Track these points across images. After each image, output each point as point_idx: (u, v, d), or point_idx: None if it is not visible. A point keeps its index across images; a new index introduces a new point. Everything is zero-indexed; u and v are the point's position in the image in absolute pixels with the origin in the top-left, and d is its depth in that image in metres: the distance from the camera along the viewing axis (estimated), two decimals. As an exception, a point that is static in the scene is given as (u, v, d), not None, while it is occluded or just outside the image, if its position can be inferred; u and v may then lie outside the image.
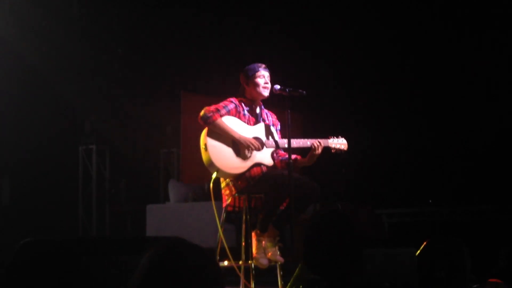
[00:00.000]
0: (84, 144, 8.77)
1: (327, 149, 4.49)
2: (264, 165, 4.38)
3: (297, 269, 3.75)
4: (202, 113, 4.29)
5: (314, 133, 4.63)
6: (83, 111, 8.68)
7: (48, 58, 7.87)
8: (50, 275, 2.49)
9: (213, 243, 5.21)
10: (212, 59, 8.42)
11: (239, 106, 4.43)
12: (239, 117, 4.42)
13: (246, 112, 4.46)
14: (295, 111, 5.66)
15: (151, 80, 8.75)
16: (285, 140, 4.28)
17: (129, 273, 1.66)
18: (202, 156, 4.32)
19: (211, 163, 4.27)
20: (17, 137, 7.93)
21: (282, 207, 4.33)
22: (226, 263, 4.36)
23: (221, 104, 4.38)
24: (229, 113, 4.36)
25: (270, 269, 4.64)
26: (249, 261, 4.29)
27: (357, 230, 2.38)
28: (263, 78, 4.44)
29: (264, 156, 4.39)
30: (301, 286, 3.33)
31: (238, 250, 4.45)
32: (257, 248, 4.27)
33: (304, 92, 4.32)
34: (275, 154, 4.47)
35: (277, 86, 4.40)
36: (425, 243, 3.83)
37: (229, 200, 4.41)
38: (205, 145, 4.28)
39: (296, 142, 4.39)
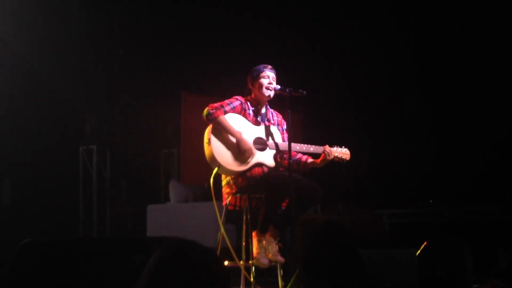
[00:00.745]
0: (85, 145, 8.77)
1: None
2: (265, 165, 4.39)
3: (297, 270, 3.75)
4: (206, 109, 4.31)
5: (314, 133, 4.63)
6: (84, 111, 8.68)
7: (48, 58, 7.87)
8: (50, 275, 2.49)
9: (213, 243, 5.21)
10: (213, 60, 8.41)
11: (244, 104, 4.45)
12: (244, 115, 4.44)
13: (251, 111, 4.48)
14: (296, 111, 5.66)
15: (152, 81, 8.75)
16: (287, 144, 4.30)
17: (130, 273, 1.66)
18: (205, 150, 4.33)
19: (213, 158, 4.28)
20: (17, 137, 7.93)
21: (282, 208, 4.34)
22: (226, 263, 4.36)
23: (226, 101, 4.40)
24: (234, 110, 4.38)
25: (271, 269, 4.65)
26: (250, 261, 4.29)
27: (355, 237, 2.41)
28: (267, 78, 4.46)
29: (266, 157, 4.40)
30: (301, 287, 3.33)
31: (239, 250, 4.45)
32: (258, 248, 4.27)
33: (304, 92, 4.32)
34: (284, 155, 4.49)
35: (277, 86, 4.41)
36: (425, 243, 3.83)
37: (229, 199, 4.41)
38: (209, 140, 4.30)
39: (299, 147, 4.41)
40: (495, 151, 7.80)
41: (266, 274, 5.14)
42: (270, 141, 4.44)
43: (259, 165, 4.37)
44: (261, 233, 4.30)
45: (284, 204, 4.32)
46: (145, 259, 1.65)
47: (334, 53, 8.41)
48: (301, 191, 4.11)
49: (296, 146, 4.36)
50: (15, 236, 6.97)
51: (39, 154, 8.08)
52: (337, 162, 4.53)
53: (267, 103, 4.58)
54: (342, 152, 4.54)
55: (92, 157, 8.76)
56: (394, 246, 3.85)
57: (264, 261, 4.25)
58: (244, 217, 4.42)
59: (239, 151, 4.32)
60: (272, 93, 4.46)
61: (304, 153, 4.51)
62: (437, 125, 8.26)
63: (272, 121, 4.57)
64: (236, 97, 4.48)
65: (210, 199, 4.39)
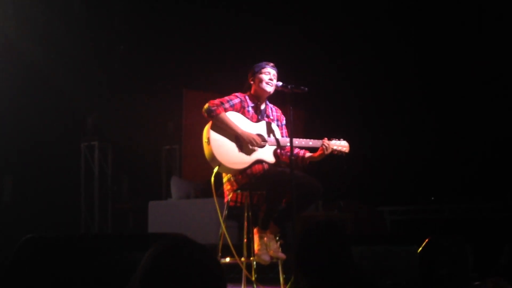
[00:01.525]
0: (86, 141, 8.77)
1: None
2: (266, 162, 4.39)
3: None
4: (206, 106, 4.30)
5: (316, 129, 4.63)
6: (85, 108, 8.68)
7: (49, 55, 7.87)
8: (52, 271, 2.49)
9: (215, 240, 5.22)
10: (214, 56, 8.41)
11: (244, 101, 4.45)
12: (243, 113, 4.43)
13: (250, 108, 4.47)
14: (297, 107, 5.66)
15: (153, 77, 8.74)
16: (287, 139, 4.29)
17: (131, 270, 1.66)
18: (204, 150, 4.33)
19: (213, 157, 4.27)
20: (19, 134, 7.93)
21: (283, 205, 4.34)
22: (228, 259, 4.36)
23: (226, 98, 4.40)
24: (233, 107, 4.38)
25: (272, 266, 4.64)
26: (251, 258, 4.29)
27: (348, 232, 2.45)
28: (268, 74, 4.46)
29: (266, 154, 4.40)
30: (301, 284, 3.33)
31: (240, 246, 4.45)
32: (259, 245, 4.27)
33: (306, 88, 4.32)
34: (283, 150, 4.48)
35: (279, 83, 4.41)
36: (427, 240, 3.83)
37: (231, 196, 4.41)
38: (208, 139, 4.29)
39: (299, 142, 4.40)
40: (496, 148, 7.79)
41: (267, 271, 5.14)
42: (270, 138, 4.43)
43: (260, 162, 4.37)
44: (262, 230, 4.30)
45: (284, 201, 4.31)
46: (141, 255, 1.65)
47: (335, 49, 8.40)
48: (302, 188, 4.10)
49: (295, 141, 4.35)
50: (17, 232, 6.99)
51: (41, 151, 8.08)
52: (336, 155, 4.51)
53: (266, 99, 4.57)
54: (341, 145, 4.52)
55: (93, 154, 8.76)
56: (395, 243, 3.85)
57: (266, 258, 4.25)
58: (246, 214, 4.42)
59: (241, 147, 4.32)
60: (272, 89, 4.46)
61: (303, 148, 4.50)
62: (439, 122, 8.25)
63: (271, 117, 4.57)
64: (236, 94, 4.47)
65: (212, 196, 4.39)
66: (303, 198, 4.15)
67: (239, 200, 4.48)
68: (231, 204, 4.45)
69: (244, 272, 4.31)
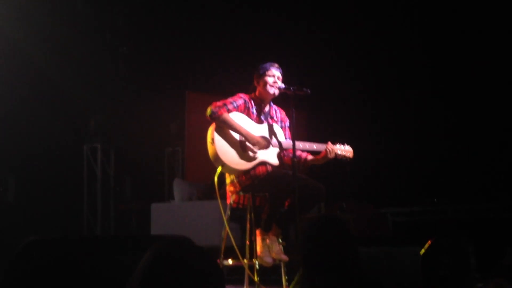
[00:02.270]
0: (89, 143, 8.77)
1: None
2: (269, 164, 4.39)
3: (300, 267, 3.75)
4: (209, 108, 4.31)
5: (319, 131, 4.63)
6: (88, 110, 8.69)
7: (52, 56, 7.88)
8: (54, 273, 2.49)
9: (217, 242, 5.21)
10: (217, 58, 8.41)
11: (248, 102, 4.45)
12: (248, 114, 4.43)
13: (254, 109, 4.47)
14: (300, 109, 5.66)
15: (156, 79, 8.75)
16: (290, 142, 4.29)
17: (133, 272, 1.66)
18: (208, 149, 4.34)
19: (217, 157, 4.28)
20: (22, 136, 7.94)
21: (286, 206, 4.34)
22: (230, 261, 4.36)
23: (230, 99, 4.40)
24: (237, 108, 4.38)
25: (275, 268, 4.64)
26: (254, 260, 4.29)
27: (352, 233, 2.41)
28: (272, 77, 4.46)
29: (270, 156, 4.40)
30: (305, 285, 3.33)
31: (243, 248, 4.45)
32: (262, 247, 4.27)
33: (309, 90, 4.32)
34: (285, 151, 4.49)
35: (282, 85, 4.41)
36: (429, 242, 3.83)
37: (233, 197, 4.41)
38: (212, 139, 4.30)
39: (303, 145, 4.41)
40: (499, 149, 7.78)
41: (270, 273, 5.14)
42: (274, 140, 4.43)
43: (263, 163, 4.37)
44: (265, 232, 4.30)
45: (287, 203, 4.31)
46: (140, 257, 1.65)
47: (339, 51, 8.40)
48: (305, 190, 4.10)
49: (299, 144, 4.36)
50: (20, 233, 7.00)
51: (44, 152, 8.09)
52: (340, 160, 4.52)
53: (270, 100, 4.58)
54: (345, 150, 4.53)
55: (96, 155, 8.77)
56: (398, 244, 3.85)
57: (268, 260, 4.25)
58: (248, 216, 4.42)
59: (244, 148, 4.32)
60: (276, 91, 4.46)
61: (307, 151, 4.50)
62: (442, 123, 8.24)
63: (275, 119, 4.57)
64: (240, 94, 4.47)
65: (215, 198, 4.40)
66: (306, 200, 4.15)
67: (241, 202, 4.49)
68: (234, 205, 4.46)
69: (247, 272, 4.31)
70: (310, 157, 4.51)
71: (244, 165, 4.32)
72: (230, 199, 4.44)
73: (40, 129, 8.03)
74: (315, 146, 4.45)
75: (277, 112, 4.63)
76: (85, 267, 2.49)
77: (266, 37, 8.20)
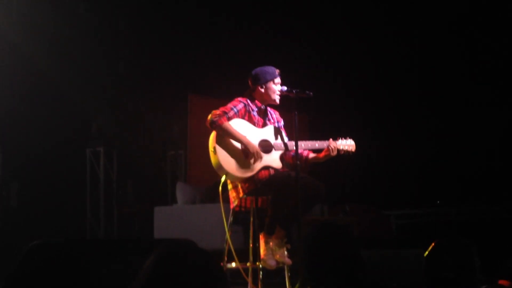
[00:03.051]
0: (92, 147, 8.78)
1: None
2: (272, 168, 4.37)
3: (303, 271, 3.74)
4: (209, 117, 4.27)
5: (320, 134, 4.62)
6: (90, 113, 8.70)
7: (54, 60, 7.88)
8: (58, 276, 2.49)
9: (220, 245, 5.20)
10: (220, 61, 8.42)
11: (248, 105, 4.42)
12: (249, 117, 4.41)
13: (256, 113, 4.46)
14: (302, 112, 5.66)
15: (158, 82, 8.76)
16: (293, 143, 4.28)
17: (135, 275, 1.66)
18: (211, 158, 4.32)
19: (220, 166, 4.26)
20: (24, 139, 7.95)
21: (288, 208, 4.32)
22: (234, 264, 4.36)
23: (229, 105, 4.36)
24: (237, 114, 4.35)
25: (278, 271, 4.64)
26: (257, 263, 4.28)
27: (355, 235, 2.41)
28: (278, 85, 4.45)
29: (273, 159, 4.39)
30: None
31: (246, 251, 4.44)
32: (265, 250, 4.26)
33: (311, 93, 4.31)
34: (286, 151, 4.47)
35: (284, 88, 4.40)
36: (433, 244, 3.81)
37: (236, 202, 4.40)
38: (214, 148, 4.27)
39: (305, 144, 4.39)
40: (502, 151, 7.77)
41: (273, 276, 5.13)
42: (277, 142, 4.42)
43: (266, 168, 4.36)
44: (268, 235, 4.29)
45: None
46: (144, 260, 1.65)
47: (341, 54, 8.40)
48: (305, 189, 4.09)
49: (301, 144, 4.34)
50: (23, 237, 7.01)
51: (47, 156, 8.09)
52: (343, 154, 4.50)
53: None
54: (347, 144, 4.51)
55: (99, 159, 8.77)
56: (401, 246, 3.85)
57: (271, 263, 4.24)
58: (251, 219, 4.41)
59: (247, 155, 4.30)
60: (278, 99, 4.47)
61: (308, 150, 4.48)
62: (444, 125, 8.24)
63: (272, 121, 4.56)
64: (239, 99, 4.44)
65: (217, 201, 4.39)
66: (307, 200, 4.13)
67: (243, 205, 4.47)
68: (236, 209, 4.44)
69: (245, 277, 4.30)
70: (311, 155, 4.49)
71: (247, 172, 4.30)
72: (233, 204, 4.42)
73: (43, 132, 8.03)
74: (317, 144, 4.42)
75: (272, 114, 4.62)
76: (88, 270, 2.49)
77: (268, 40, 8.21)
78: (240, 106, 4.38)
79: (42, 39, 7.71)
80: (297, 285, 3.83)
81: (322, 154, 4.45)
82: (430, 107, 8.31)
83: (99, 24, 8.38)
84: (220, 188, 4.32)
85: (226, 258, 4.39)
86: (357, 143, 4.57)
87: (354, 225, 6.94)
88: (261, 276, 4.25)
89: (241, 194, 4.35)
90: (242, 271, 4.34)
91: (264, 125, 4.47)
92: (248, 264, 4.34)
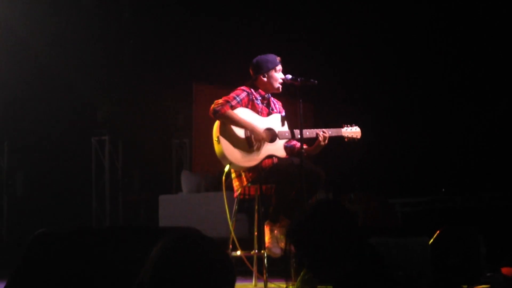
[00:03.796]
0: (97, 135, 8.79)
1: (340, 137, 4.48)
2: (276, 157, 4.37)
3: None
4: (212, 107, 4.26)
5: (325, 122, 4.60)
6: (96, 102, 8.70)
7: (59, 50, 7.88)
8: (64, 265, 2.50)
9: (225, 233, 5.21)
10: (224, 49, 8.39)
11: (252, 94, 4.41)
12: (253, 106, 4.39)
13: (259, 101, 4.44)
14: (306, 100, 5.64)
15: (163, 71, 8.75)
16: (297, 130, 4.27)
17: (142, 263, 1.66)
18: (215, 148, 4.32)
19: (223, 156, 4.26)
20: (30, 129, 7.97)
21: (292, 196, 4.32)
22: (239, 253, 4.36)
23: (232, 94, 4.34)
24: (240, 103, 4.33)
25: (283, 259, 4.64)
26: (262, 251, 4.29)
27: (359, 222, 2.28)
28: (280, 73, 4.43)
29: (277, 148, 4.38)
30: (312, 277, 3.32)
31: (251, 240, 4.45)
32: (270, 238, 4.27)
33: (316, 81, 4.30)
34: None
35: (289, 76, 4.38)
36: (438, 232, 3.81)
37: (240, 190, 4.40)
38: (218, 138, 4.27)
39: (310, 132, 4.37)
40: (507, 137, 7.74)
41: (278, 264, 5.14)
42: (282, 130, 4.40)
43: (270, 156, 4.35)
44: (273, 223, 4.30)
45: (293, 193, 4.30)
46: (151, 248, 1.65)
47: (346, 42, 8.36)
48: (306, 177, 4.09)
49: (306, 132, 4.32)
50: (29, 226, 7.04)
51: (52, 145, 8.12)
52: (348, 142, 4.49)
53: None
54: (352, 132, 4.49)
55: (104, 147, 8.78)
56: (407, 234, 3.84)
57: (276, 251, 4.24)
58: (256, 207, 4.41)
59: (251, 144, 4.28)
60: (280, 87, 4.45)
61: (313, 138, 4.44)
62: (450, 112, 8.21)
63: (275, 110, 4.54)
64: (242, 88, 4.41)
65: (222, 189, 4.40)
66: (309, 186, 4.13)
67: (247, 192, 4.47)
68: (241, 197, 4.44)
69: (249, 266, 4.31)
70: (304, 147, 4.46)
71: (251, 161, 4.29)
72: (237, 192, 4.42)
73: (48, 122, 8.05)
74: (307, 133, 4.37)
75: (275, 103, 4.60)
76: (94, 259, 2.50)
77: (273, 27, 8.18)
78: (243, 95, 4.35)
79: (47, 29, 7.70)
80: (302, 273, 3.83)
81: (313, 146, 4.41)
82: (434, 94, 8.27)
83: (103, 13, 8.36)
84: (224, 177, 4.32)
85: (231, 247, 4.39)
86: (361, 131, 4.56)
87: (359, 214, 6.94)
88: (266, 264, 4.26)
89: (244, 183, 4.35)
90: (246, 260, 4.35)
91: (268, 114, 4.45)
92: (252, 252, 4.34)
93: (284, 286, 4.17)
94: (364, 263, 2.09)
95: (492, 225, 6.50)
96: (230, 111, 4.25)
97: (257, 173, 4.30)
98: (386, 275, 2.15)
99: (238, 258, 4.37)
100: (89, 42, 8.16)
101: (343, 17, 8.24)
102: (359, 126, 4.55)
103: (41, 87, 7.91)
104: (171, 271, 1.56)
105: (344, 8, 8.21)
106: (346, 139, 4.48)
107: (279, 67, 4.44)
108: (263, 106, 4.45)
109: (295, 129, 4.35)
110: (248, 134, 4.30)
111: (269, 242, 4.26)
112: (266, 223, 4.33)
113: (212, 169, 6.99)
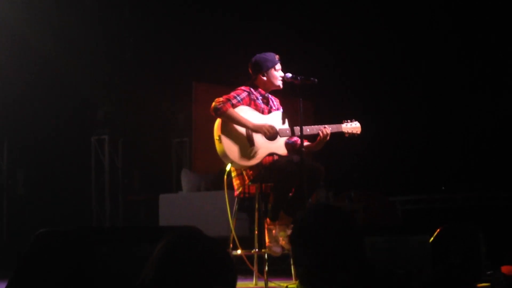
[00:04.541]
0: (97, 134, 8.79)
1: (340, 133, 4.49)
2: (277, 154, 4.37)
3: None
4: (213, 104, 4.27)
5: (325, 121, 4.61)
6: (95, 101, 8.70)
7: (60, 48, 7.88)
8: (65, 264, 2.50)
9: (226, 232, 5.22)
10: (224, 48, 8.38)
11: (252, 94, 4.41)
12: (255, 105, 4.39)
13: (260, 101, 4.44)
14: (306, 99, 5.64)
15: (163, 70, 8.74)
16: (298, 128, 4.27)
17: (143, 263, 1.67)
18: (216, 147, 4.32)
19: (225, 154, 4.26)
20: (30, 127, 7.97)
21: (291, 194, 4.32)
22: (239, 252, 4.37)
23: (232, 94, 4.35)
24: (241, 102, 4.33)
25: (283, 257, 4.64)
26: (262, 250, 4.29)
27: (360, 221, 2.28)
28: (279, 71, 4.43)
29: (278, 146, 4.38)
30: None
31: (252, 239, 4.45)
32: (269, 237, 4.27)
33: (316, 80, 4.30)
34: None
35: (289, 75, 4.38)
36: (439, 230, 3.82)
37: (240, 189, 4.40)
38: (219, 136, 4.27)
39: (310, 129, 4.37)
40: (508, 136, 7.74)
41: (279, 263, 5.14)
42: (282, 128, 4.40)
43: (270, 154, 4.36)
44: (272, 222, 4.30)
45: (293, 190, 4.30)
46: (152, 248, 1.65)
47: (345, 40, 8.36)
48: (308, 173, 4.09)
49: (306, 129, 4.33)
50: (29, 225, 7.04)
51: (52, 144, 8.11)
52: (348, 137, 4.49)
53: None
54: (352, 127, 4.50)
55: (104, 147, 8.78)
56: (407, 232, 3.84)
57: (276, 250, 4.25)
58: (256, 206, 4.41)
59: (252, 143, 4.29)
60: (281, 84, 4.45)
61: (314, 135, 4.44)
62: (450, 110, 8.21)
63: (274, 108, 4.55)
64: (242, 87, 4.42)
65: (223, 188, 4.40)
66: (309, 182, 4.13)
67: (247, 191, 4.47)
68: (241, 195, 4.44)
69: (249, 265, 4.31)
70: (305, 143, 4.46)
71: (252, 160, 4.30)
72: (237, 191, 4.42)
73: (48, 121, 8.05)
74: (308, 130, 4.37)
75: (274, 101, 4.60)
76: (96, 258, 2.50)
77: (272, 26, 8.17)
78: (244, 95, 4.36)
79: (47, 26, 7.69)
80: (302, 272, 3.83)
81: (315, 143, 4.42)
82: (435, 92, 8.28)
83: (104, 11, 8.35)
84: (225, 176, 4.32)
85: (231, 246, 4.39)
86: (362, 128, 4.56)
87: (359, 212, 6.94)
88: (266, 263, 4.26)
89: (246, 182, 4.35)
90: (246, 259, 4.35)
91: (269, 112, 4.46)
92: (253, 251, 4.34)
93: (285, 285, 4.17)
94: (359, 276, 2.07)
95: (493, 223, 6.50)
96: (231, 109, 4.26)
97: (258, 171, 4.30)
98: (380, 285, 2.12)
99: (239, 257, 4.37)
100: (89, 42, 8.16)
101: (343, 15, 8.24)
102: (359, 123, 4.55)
103: (41, 86, 7.90)
104: (172, 271, 1.57)
105: (344, 5, 8.22)
106: (346, 135, 4.49)
107: (279, 65, 4.44)
108: (264, 105, 4.45)
109: (296, 126, 4.36)
110: (250, 132, 4.30)
111: (269, 241, 4.26)
112: (266, 221, 4.33)
113: (212, 168, 6.99)
